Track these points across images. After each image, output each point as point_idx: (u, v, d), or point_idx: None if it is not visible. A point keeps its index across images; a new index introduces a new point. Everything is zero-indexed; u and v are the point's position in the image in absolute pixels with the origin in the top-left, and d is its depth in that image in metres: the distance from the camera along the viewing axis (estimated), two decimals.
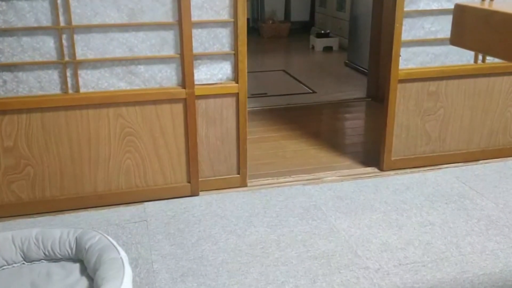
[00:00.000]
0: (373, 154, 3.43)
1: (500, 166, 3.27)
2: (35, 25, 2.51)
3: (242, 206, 2.81)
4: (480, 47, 1.24)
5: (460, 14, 1.27)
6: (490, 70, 3.18)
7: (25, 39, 2.52)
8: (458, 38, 1.30)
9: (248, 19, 8.22)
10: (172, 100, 2.75)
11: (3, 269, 1.99)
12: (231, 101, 2.87)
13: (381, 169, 3.24)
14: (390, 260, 2.32)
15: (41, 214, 2.74)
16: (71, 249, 2.01)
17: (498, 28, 1.14)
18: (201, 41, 2.74)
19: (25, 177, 2.69)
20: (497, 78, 3.22)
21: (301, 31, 8.30)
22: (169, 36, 2.68)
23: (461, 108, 3.22)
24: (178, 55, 2.71)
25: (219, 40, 2.76)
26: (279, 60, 6.79)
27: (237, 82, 2.84)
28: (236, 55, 2.79)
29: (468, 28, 1.25)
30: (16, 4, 2.46)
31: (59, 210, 2.77)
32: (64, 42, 2.56)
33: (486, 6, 1.23)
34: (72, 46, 2.57)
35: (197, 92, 2.77)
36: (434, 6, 3.01)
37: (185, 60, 2.70)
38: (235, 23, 2.74)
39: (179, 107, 2.77)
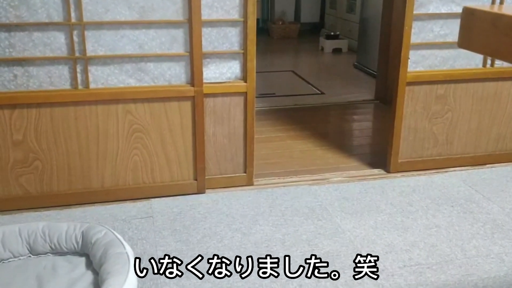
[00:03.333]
0: (380, 156, 3.43)
1: (507, 171, 3.26)
2: (47, 20, 2.53)
3: (248, 204, 2.82)
4: (488, 50, 1.24)
5: (468, 17, 1.27)
6: (498, 74, 3.18)
7: (36, 34, 2.55)
8: (466, 41, 1.30)
9: (258, 20, 8.22)
10: (180, 98, 2.77)
11: (9, 261, 2.01)
12: (239, 100, 2.88)
13: (387, 171, 3.24)
14: (394, 262, 2.33)
15: (48, 208, 2.76)
16: (77, 243, 2.03)
17: (506, 32, 1.15)
18: (210, 39, 2.75)
19: (33, 171, 2.71)
20: (505, 83, 3.21)
21: (310, 33, 8.30)
22: (179, 34, 2.70)
23: (468, 111, 3.21)
24: (187, 53, 2.73)
25: (228, 39, 2.78)
26: (288, 60, 6.80)
27: (245, 81, 2.85)
28: (245, 54, 2.81)
29: (476, 31, 1.25)
30: None
31: (66, 205, 2.79)
32: (75, 38, 2.58)
33: (495, 9, 1.23)
34: (82, 42, 2.59)
35: (205, 91, 2.79)
36: (444, 10, 3.01)
37: (194, 58, 2.72)
38: (245, 23, 2.75)
39: (187, 105, 2.79)
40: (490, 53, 1.24)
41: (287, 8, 8.32)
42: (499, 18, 1.17)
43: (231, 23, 2.76)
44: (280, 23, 8.08)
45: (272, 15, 8.37)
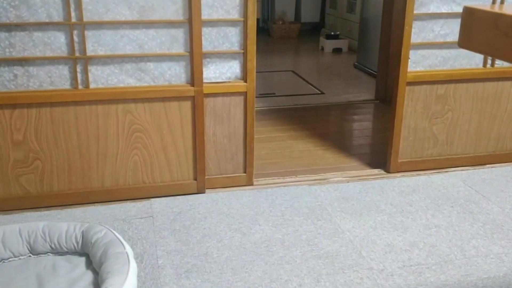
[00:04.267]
0: (380, 156, 3.43)
1: (507, 171, 3.26)
2: (47, 20, 2.54)
3: (248, 204, 2.82)
4: (488, 50, 1.24)
5: (468, 16, 1.27)
6: (499, 74, 3.18)
7: (36, 34, 2.55)
8: (466, 41, 1.30)
9: (258, 19, 8.23)
10: (180, 98, 2.77)
11: (10, 261, 2.01)
12: (239, 100, 2.88)
13: (387, 171, 3.24)
14: (394, 262, 2.33)
15: (48, 208, 2.76)
16: (77, 243, 2.03)
17: (506, 31, 1.15)
18: (210, 39, 2.75)
19: (33, 170, 2.71)
20: (506, 83, 3.21)
21: (311, 32, 8.30)
22: (179, 34, 2.70)
23: (469, 111, 3.21)
24: (187, 53, 2.73)
25: (228, 39, 2.78)
26: (288, 60, 6.80)
27: (245, 81, 2.85)
28: (245, 54, 2.81)
29: (476, 31, 1.25)
30: None
31: (67, 204, 2.79)
32: (75, 38, 2.58)
33: (495, 9, 1.23)
34: (83, 42, 2.59)
35: (205, 90, 2.79)
36: (444, 9, 3.01)
37: (194, 58, 2.72)
38: (245, 22, 2.75)
39: (187, 105, 2.79)
40: (491, 53, 1.23)
41: (288, 8, 8.32)
42: (499, 17, 1.17)
43: (231, 23, 2.76)
44: (281, 23, 8.07)
45: (272, 15, 8.37)
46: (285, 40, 7.99)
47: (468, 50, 1.31)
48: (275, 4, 8.26)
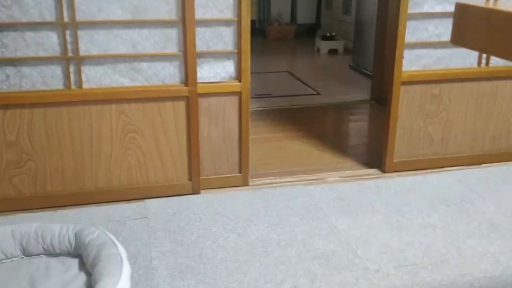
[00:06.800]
0: (375, 156, 3.43)
1: (503, 170, 3.26)
2: (39, 20, 2.52)
3: (243, 205, 2.81)
4: (481, 46, 1.24)
5: (461, 13, 1.27)
6: (494, 73, 3.18)
7: (29, 34, 2.53)
8: (459, 37, 1.30)
9: (254, 21, 8.23)
10: (174, 98, 2.76)
11: (2, 263, 1.99)
12: (234, 100, 2.87)
13: (383, 170, 3.23)
14: (389, 262, 2.31)
15: (42, 209, 2.74)
16: (70, 244, 2.02)
17: (499, 27, 1.14)
18: (204, 39, 2.74)
19: (26, 171, 2.69)
20: (500, 82, 3.21)
21: (307, 34, 8.30)
22: (173, 34, 2.69)
23: (464, 111, 3.21)
24: (181, 53, 2.72)
25: (222, 38, 2.77)
26: (284, 61, 6.79)
27: (240, 81, 2.84)
28: (239, 54, 2.80)
29: (469, 27, 1.25)
30: None
31: (60, 206, 2.77)
32: (68, 38, 2.57)
33: (490, 5, 1.22)
34: (75, 42, 2.57)
35: (199, 90, 2.77)
36: (438, 9, 3.01)
37: (188, 58, 2.70)
38: (239, 22, 2.74)
39: (181, 105, 2.77)
40: (484, 49, 1.23)
41: (283, 9, 8.32)
42: (492, 13, 1.16)
43: (225, 22, 2.75)
44: (277, 24, 8.08)
45: (268, 16, 8.36)
46: (281, 41, 7.99)
47: (461, 47, 1.30)
48: (271, 5, 8.26)
